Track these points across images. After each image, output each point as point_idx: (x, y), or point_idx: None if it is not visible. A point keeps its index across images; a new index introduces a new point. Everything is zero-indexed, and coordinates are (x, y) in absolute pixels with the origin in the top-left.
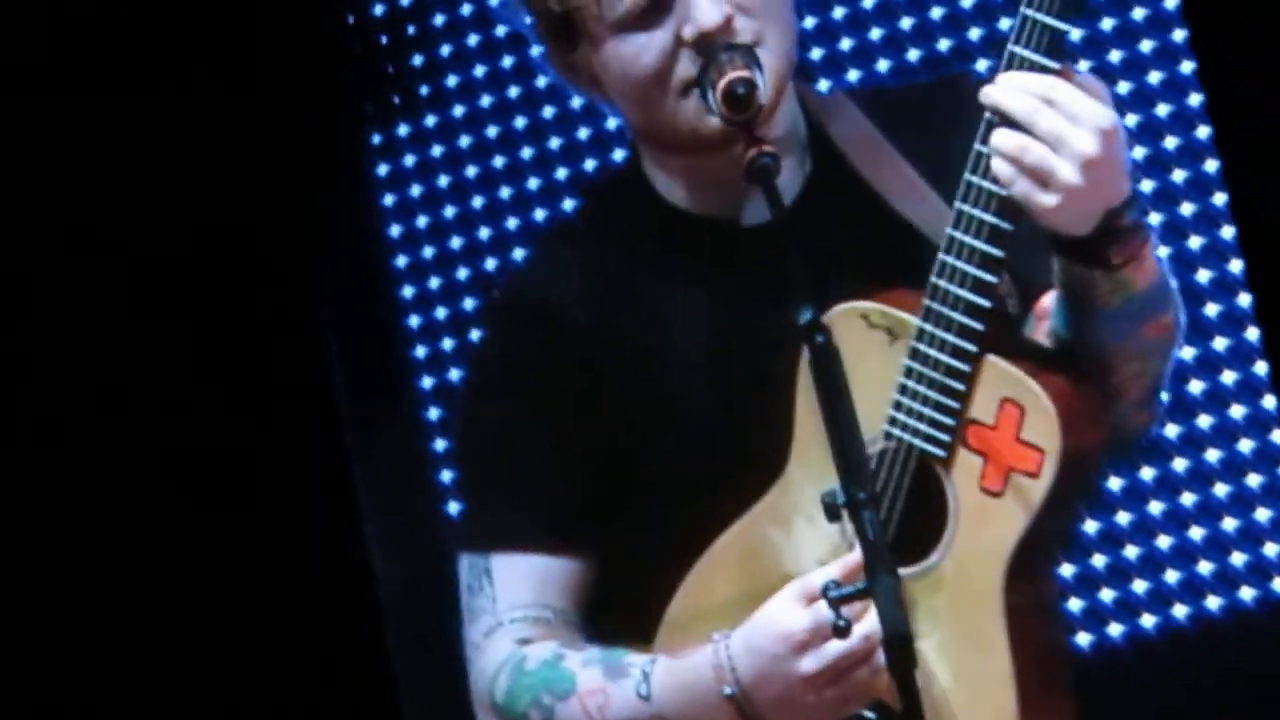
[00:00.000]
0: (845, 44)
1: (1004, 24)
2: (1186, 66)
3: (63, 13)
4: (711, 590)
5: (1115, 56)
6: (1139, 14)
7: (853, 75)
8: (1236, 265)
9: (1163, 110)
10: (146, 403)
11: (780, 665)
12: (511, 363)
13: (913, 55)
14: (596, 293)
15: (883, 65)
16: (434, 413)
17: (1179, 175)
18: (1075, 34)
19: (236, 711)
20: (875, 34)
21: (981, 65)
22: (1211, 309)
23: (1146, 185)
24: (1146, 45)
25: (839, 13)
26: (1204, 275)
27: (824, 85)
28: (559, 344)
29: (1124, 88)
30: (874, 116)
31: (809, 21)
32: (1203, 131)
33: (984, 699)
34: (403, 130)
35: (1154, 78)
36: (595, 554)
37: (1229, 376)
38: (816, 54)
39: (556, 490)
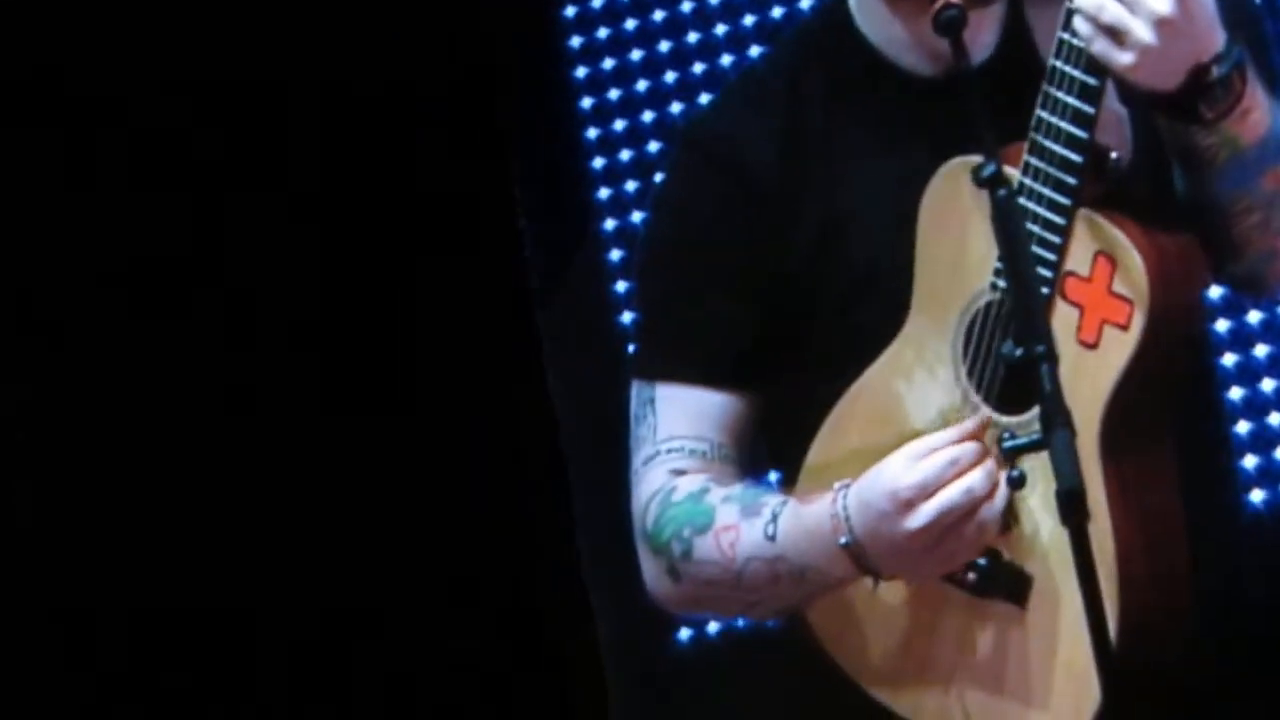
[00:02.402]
0: None
1: None
2: None
3: None
4: (842, 440)
5: None
6: None
7: None
8: None
9: None
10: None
11: (888, 521)
12: (691, 207)
13: None
14: (783, 138)
15: None
16: (616, 255)
17: None
18: None
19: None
20: None
21: None
22: None
23: None
24: None
25: None
26: None
27: None
28: (739, 191)
29: None
30: None
31: None
32: None
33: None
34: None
35: None
36: (759, 393)
37: None
38: None
39: (724, 330)
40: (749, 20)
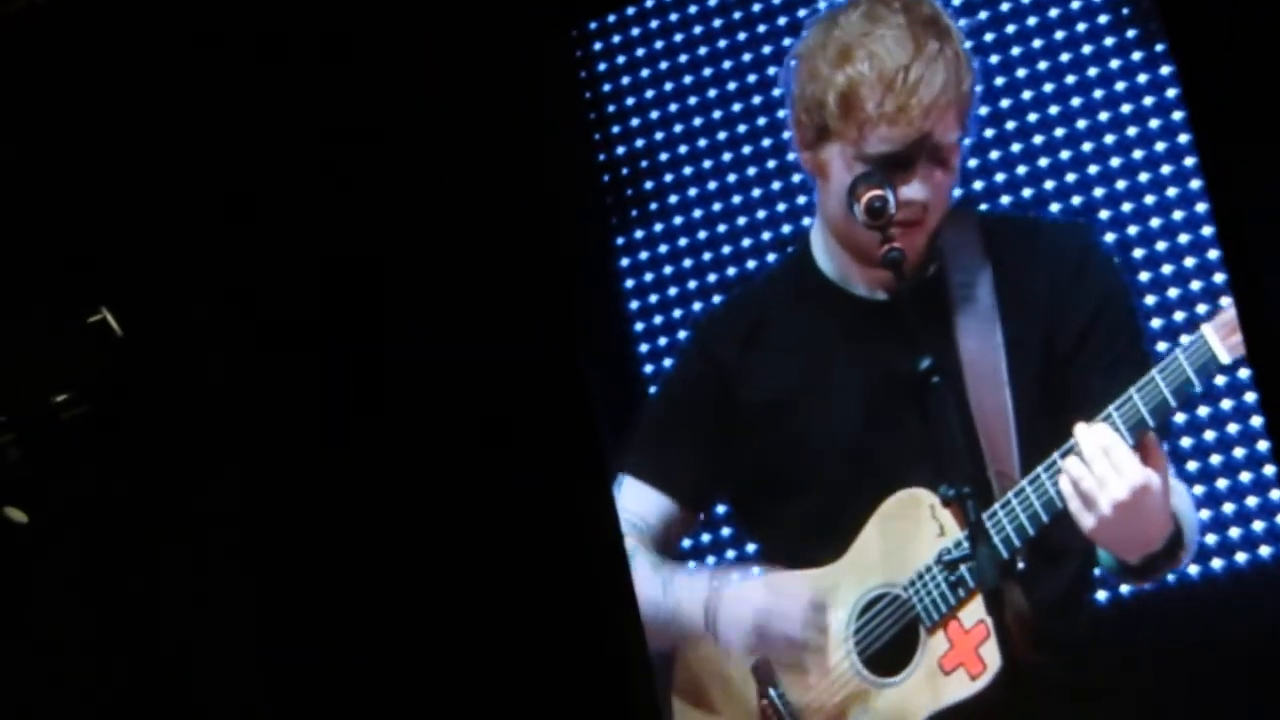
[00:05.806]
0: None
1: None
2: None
3: None
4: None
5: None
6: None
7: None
8: None
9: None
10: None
11: (762, 620)
12: (681, 376)
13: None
14: (745, 342)
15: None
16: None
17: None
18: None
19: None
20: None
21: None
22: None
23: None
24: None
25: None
26: None
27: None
28: (711, 373)
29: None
30: (989, 240)
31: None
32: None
33: None
34: (638, 234)
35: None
36: (693, 505)
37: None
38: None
39: (680, 457)
40: (751, 264)
